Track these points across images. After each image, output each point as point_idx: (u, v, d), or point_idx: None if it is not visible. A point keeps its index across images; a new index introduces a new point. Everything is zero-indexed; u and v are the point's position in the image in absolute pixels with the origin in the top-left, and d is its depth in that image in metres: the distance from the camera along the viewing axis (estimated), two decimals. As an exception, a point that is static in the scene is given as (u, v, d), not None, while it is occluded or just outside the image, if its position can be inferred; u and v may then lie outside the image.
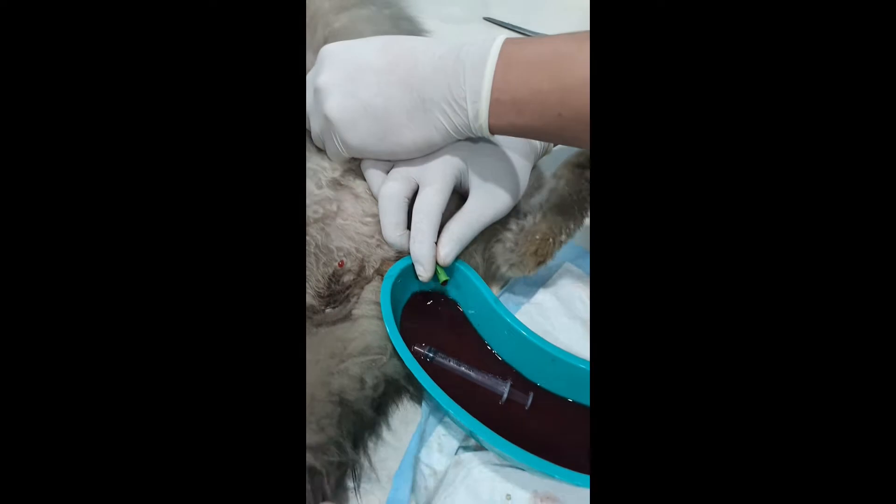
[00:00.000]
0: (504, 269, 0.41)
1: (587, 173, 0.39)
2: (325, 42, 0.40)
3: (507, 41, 0.33)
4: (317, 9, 0.44)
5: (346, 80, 0.35)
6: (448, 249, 0.38)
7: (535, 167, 0.49)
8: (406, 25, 0.51)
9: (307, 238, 0.38)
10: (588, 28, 0.31)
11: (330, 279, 0.38)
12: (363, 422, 0.35)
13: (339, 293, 0.38)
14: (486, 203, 0.39)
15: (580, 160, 0.40)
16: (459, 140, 0.38)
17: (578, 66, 0.31)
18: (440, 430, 0.36)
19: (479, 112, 0.33)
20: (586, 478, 0.32)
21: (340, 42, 0.37)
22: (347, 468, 0.33)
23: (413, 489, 0.33)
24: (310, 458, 0.31)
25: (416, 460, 0.34)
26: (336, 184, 0.40)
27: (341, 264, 0.39)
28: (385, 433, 0.36)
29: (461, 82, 0.33)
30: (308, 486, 0.30)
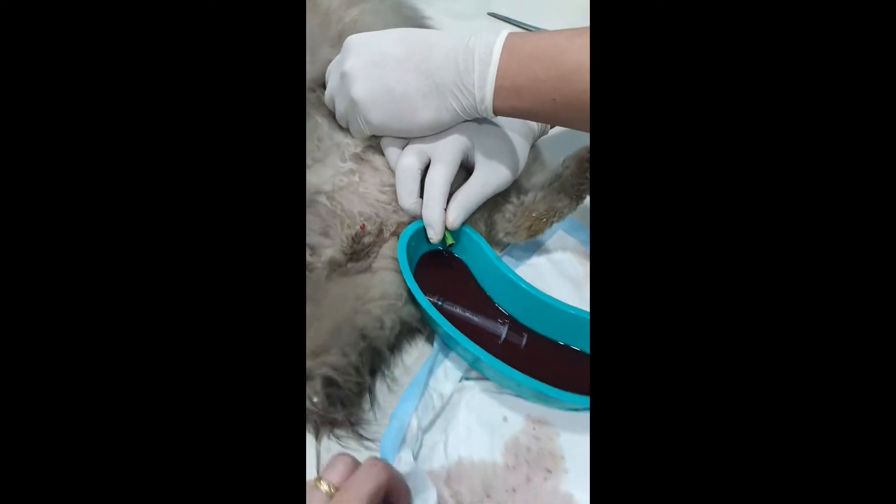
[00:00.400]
0: (501, 235, 0.48)
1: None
2: (340, 35, 0.47)
3: (510, 35, 0.39)
4: (328, 6, 0.50)
5: (370, 66, 0.41)
6: (455, 215, 0.44)
7: (533, 146, 0.55)
8: (408, 13, 0.57)
9: (334, 203, 0.44)
10: (582, 24, 0.37)
11: (353, 239, 0.45)
12: (380, 357, 0.42)
13: (361, 251, 0.45)
14: (489, 176, 0.45)
15: (587, 155, 0.44)
16: (467, 121, 0.44)
17: (570, 58, 0.37)
18: (447, 362, 0.43)
19: (486, 96, 0.39)
20: (575, 396, 0.38)
21: (363, 33, 0.43)
22: (364, 391, 0.40)
23: (417, 408, 0.39)
24: (331, 373, 0.37)
25: (426, 385, 0.41)
26: (358, 158, 0.46)
27: (363, 227, 0.45)
28: (397, 370, 0.43)
29: (470, 71, 0.39)
30: (323, 393, 0.37)
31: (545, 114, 0.40)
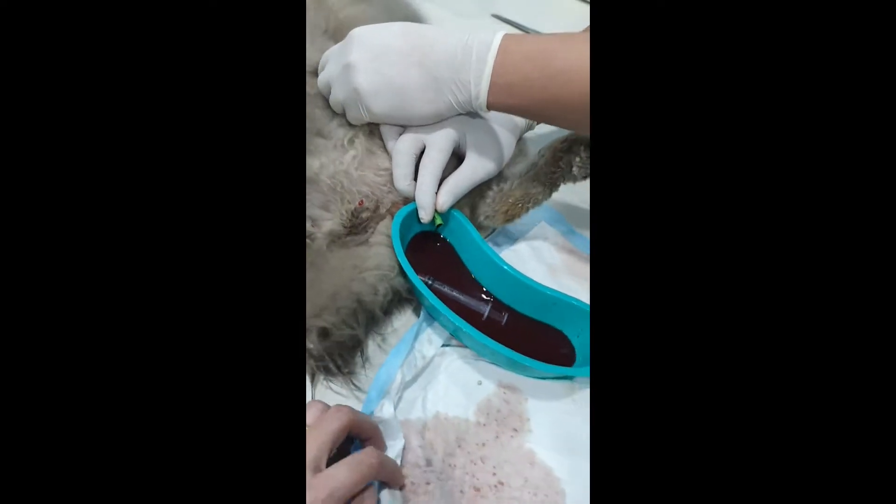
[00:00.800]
0: (481, 218, 0.52)
1: (566, 158, 0.49)
2: (335, 30, 0.51)
3: (506, 36, 0.43)
4: (328, 5, 0.55)
5: (373, 59, 0.45)
6: (445, 199, 0.48)
7: (520, 140, 0.60)
8: (404, 11, 0.61)
9: (334, 181, 0.48)
10: (574, 30, 0.41)
11: (352, 214, 0.49)
12: (373, 318, 0.46)
13: (359, 225, 0.49)
14: (477, 166, 0.50)
15: (561, 146, 0.48)
16: (461, 114, 0.48)
17: (560, 60, 0.41)
18: (430, 330, 0.47)
19: (480, 92, 0.44)
20: (543, 364, 0.43)
21: (367, 26, 0.47)
22: (357, 345, 0.44)
23: (402, 365, 0.44)
24: (328, 325, 0.42)
25: (412, 347, 0.45)
26: (355, 144, 0.50)
27: (361, 203, 0.49)
28: (387, 331, 0.47)
29: (468, 68, 0.43)
30: (319, 342, 0.42)
31: (534, 111, 0.44)
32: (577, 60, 0.40)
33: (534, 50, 0.42)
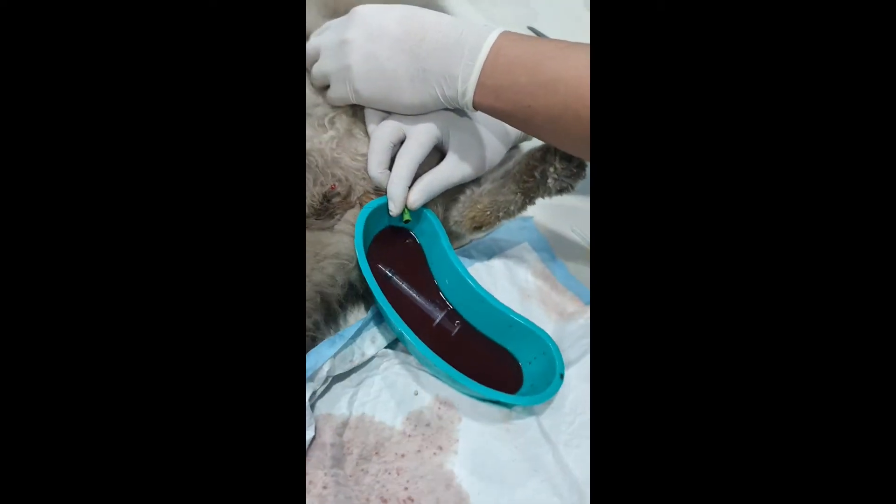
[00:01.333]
0: (451, 223, 0.50)
1: (540, 168, 0.46)
2: (346, 6, 0.49)
3: (503, 34, 0.41)
4: None
5: (368, 39, 0.44)
6: (417, 196, 0.46)
7: (514, 148, 0.57)
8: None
9: (309, 158, 0.47)
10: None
11: (323, 196, 0.47)
12: (330, 312, 0.44)
13: (326, 210, 0.48)
14: (456, 167, 0.48)
15: (536, 154, 0.46)
16: (447, 109, 0.46)
17: (554, 68, 0.39)
18: (377, 329, 0.45)
19: (467, 91, 0.42)
20: (482, 387, 0.40)
21: (371, 5, 0.45)
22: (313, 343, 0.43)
23: (335, 356, 0.41)
24: None
25: (351, 341, 0.43)
26: (335, 125, 0.49)
27: (333, 187, 0.48)
28: (342, 324, 0.46)
29: (457, 63, 0.41)
30: None
31: (519, 118, 0.42)
32: (570, 70, 0.38)
33: (527, 54, 0.39)
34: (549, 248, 0.57)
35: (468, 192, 0.49)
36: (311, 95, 0.49)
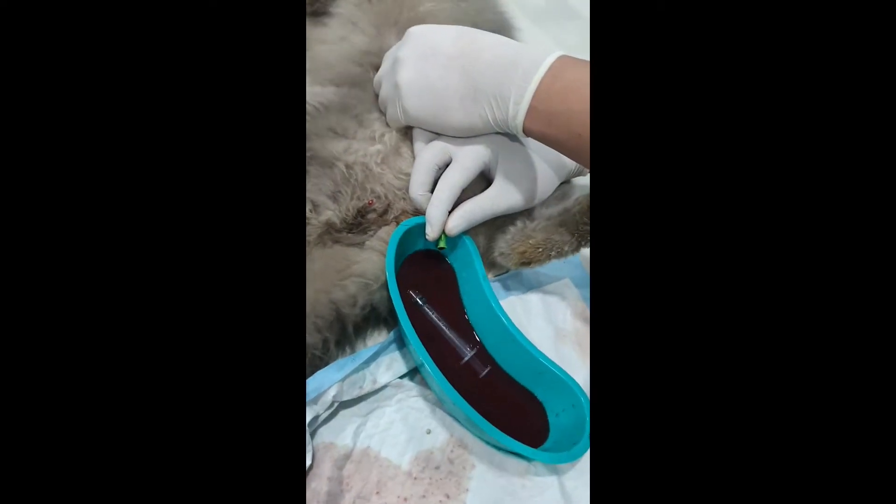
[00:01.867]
0: (496, 254, 0.47)
1: None
2: (409, 23, 0.48)
3: (561, 58, 0.38)
4: None
5: (420, 58, 0.42)
6: (456, 222, 0.44)
7: (567, 183, 0.54)
8: (491, 17, 0.56)
9: (350, 172, 0.45)
10: None
11: (358, 211, 0.46)
12: (345, 334, 0.42)
13: (361, 225, 0.46)
14: (502, 196, 0.45)
15: None
16: (498, 133, 0.44)
17: None
18: (395, 355, 0.42)
19: (518, 114, 0.39)
20: (504, 437, 0.37)
21: (426, 25, 0.44)
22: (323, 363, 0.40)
23: (344, 380, 0.39)
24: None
25: (364, 365, 0.41)
26: (386, 142, 0.47)
27: (371, 202, 0.46)
28: (358, 347, 0.43)
29: (510, 84, 0.39)
30: None
31: (570, 147, 0.39)
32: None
33: (584, 80, 0.36)
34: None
35: (519, 224, 0.46)
36: (370, 111, 0.48)
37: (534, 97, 0.38)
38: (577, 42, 0.77)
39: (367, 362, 0.41)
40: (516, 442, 0.37)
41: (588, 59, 0.39)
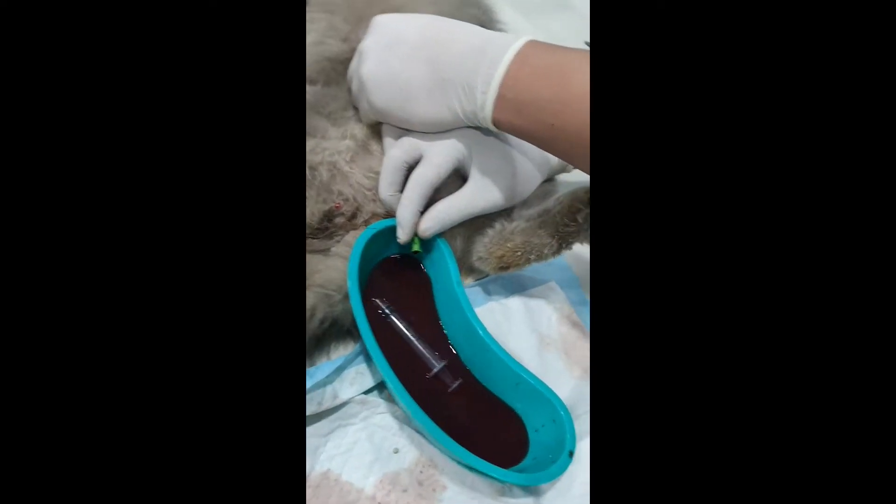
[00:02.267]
0: (474, 258, 0.44)
1: (584, 213, 0.40)
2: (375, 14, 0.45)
3: (529, 43, 0.35)
4: None
5: (383, 48, 0.39)
6: (429, 224, 0.41)
7: (551, 181, 0.51)
8: (474, 12, 0.53)
9: (315, 174, 0.42)
10: None
11: (324, 215, 0.43)
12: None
13: (328, 230, 0.43)
14: (478, 195, 0.42)
15: (584, 197, 0.41)
16: (470, 127, 0.41)
17: (580, 81, 0.33)
18: (361, 368, 0.40)
19: (486, 103, 0.36)
20: (478, 460, 0.34)
21: (393, 14, 0.41)
22: None
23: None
24: None
25: (325, 379, 0.38)
26: (357, 139, 0.44)
27: (338, 206, 0.43)
28: (322, 362, 0.40)
29: (477, 73, 0.36)
30: None
31: (542, 138, 0.36)
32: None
33: (553, 66, 0.33)
34: (580, 288, 0.49)
35: (498, 226, 0.43)
36: (344, 108, 0.45)
37: (501, 85, 0.35)
38: (566, 34, 0.75)
39: (330, 377, 0.38)
40: (484, 462, 0.34)
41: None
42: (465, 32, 0.38)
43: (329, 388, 0.38)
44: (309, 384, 0.36)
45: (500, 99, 0.35)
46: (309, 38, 0.47)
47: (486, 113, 0.36)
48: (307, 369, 0.38)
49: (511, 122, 0.36)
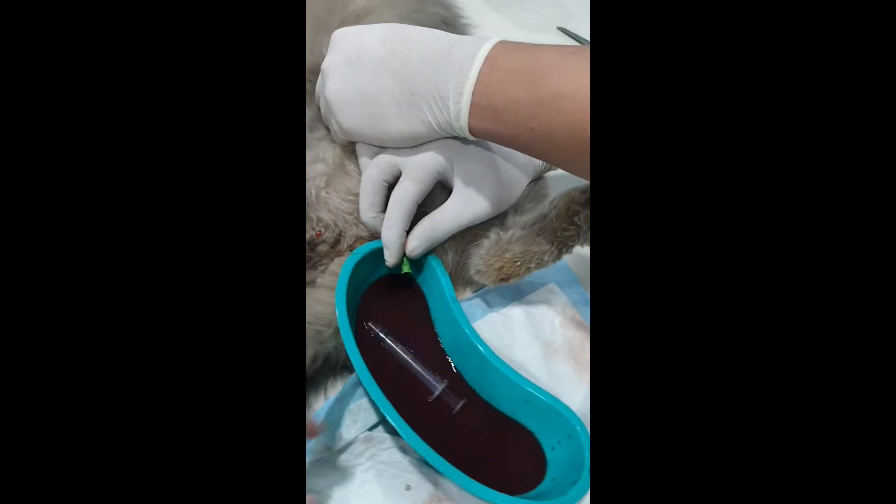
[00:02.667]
0: (472, 272, 0.42)
1: (582, 215, 0.38)
2: (342, 23, 0.43)
3: (499, 44, 0.33)
4: None
5: (346, 64, 0.37)
6: (417, 244, 0.39)
7: (540, 180, 0.48)
8: (436, 10, 0.50)
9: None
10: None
11: (306, 245, 0.41)
12: None
13: (310, 260, 0.41)
14: (463, 206, 0.40)
15: (580, 197, 0.38)
16: (448, 137, 0.38)
17: (555, 81, 0.30)
18: (363, 402, 0.37)
19: (460, 113, 0.34)
20: (490, 492, 0.32)
21: (351, 27, 0.39)
22: None
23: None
24: None
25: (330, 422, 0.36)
26: (331, 161, 0.42)
27: (318, 234, 0.41)
28: (316, 401, 0.38)
29: (447, 81, 0.34)
30: None
31: (522, 143, 0.34)
32: (574, 82, 0.30)
33: (526, 64, 0.31)
34: (581, 287, 0.47)
35: (493, 236, 0.41)
36: (317, 125, 0.43)
37: (474, 92, 0.33)
38: (537, 21, 0.72)
39: (333, 415, 0.36)
40: (500, 495, 0.32)
41: (531, 39, 0.34)
42: (429, 38, 0.36)
43: (337, 431, 0.36)
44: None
45: (475, 106, 0.33)
46: None
47: (462, 122, 0.34)
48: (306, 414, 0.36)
49: (488, 129, 0.34)
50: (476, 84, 0.33)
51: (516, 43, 0.33)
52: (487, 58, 0.32)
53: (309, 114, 0.44)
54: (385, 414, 0.33)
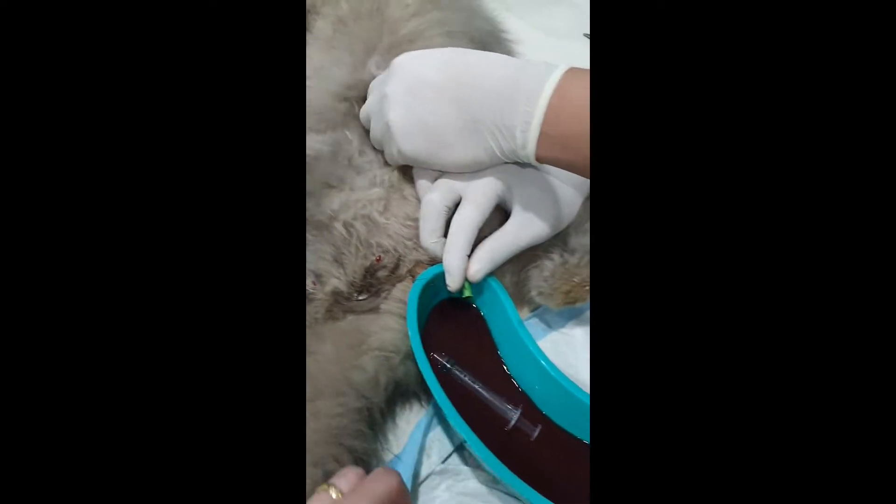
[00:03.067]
0: (533, 293, 0.41)
1: None
2: (390, 47, 0.43)
3: (569, 73, 0.33)
4: (393, 14, 0.46)
5: (407, 93, 0.37)
6: (479, 266, 0.39)
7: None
8: (481, 24, 0.50)
9: (351, 231, 0.40)
10: None
11: (366, 271, 0.40)
12: (374, 422, 0.37)
13: (372, 286, 0.40)
14: (523, 228, 0.39)
15: None
16: (507, 162, 0.38)
17: None
18: (438, 433, 0.37)
19: (528, 142, 0.34)
20: None
21: (411, 53, 0.38)
22: (370, 457, 0.35)
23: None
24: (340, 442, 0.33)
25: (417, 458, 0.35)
26: (388, 184, 0.42)
27: (378, 259, 0.41)
28: (390, 434, 0.38)
29: (514, 111, 0.33)
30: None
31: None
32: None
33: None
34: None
35: (557, 258, 0.41)
36: (362, 153, 0.43)
37: (543, 123, 0.33)
38: (567, 27, 0.72)
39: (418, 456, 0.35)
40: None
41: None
42: (491, 65, 0.36)
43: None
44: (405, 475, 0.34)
45: (543, 136, 0.33)
46: (312, 79, 0.44)
47: (529, 151, 0.34)
48: (389, 460, 0.36)
49: (557, 157, 0.34)
50: (546, 115, 0.32)
51: (584, 70, 0.33)
52: (557, 88, 0.32)
53: (356, 133, 0.43)
54: (469, 443, 0.33)
